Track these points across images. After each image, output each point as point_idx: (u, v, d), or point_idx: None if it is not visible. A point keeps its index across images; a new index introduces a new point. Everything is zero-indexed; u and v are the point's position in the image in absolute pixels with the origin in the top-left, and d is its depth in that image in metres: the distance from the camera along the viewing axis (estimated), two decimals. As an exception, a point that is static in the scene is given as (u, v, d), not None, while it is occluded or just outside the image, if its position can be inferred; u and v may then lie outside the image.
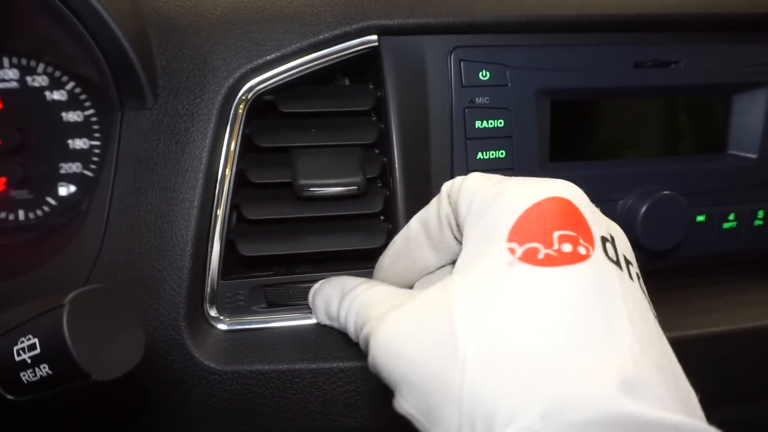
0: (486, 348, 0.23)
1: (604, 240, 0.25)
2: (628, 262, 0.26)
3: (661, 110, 0.46)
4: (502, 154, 0.41)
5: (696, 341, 0.40)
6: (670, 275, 0.47)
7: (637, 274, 0.26)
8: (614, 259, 0.25)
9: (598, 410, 0.20)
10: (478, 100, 0.40)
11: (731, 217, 0.47)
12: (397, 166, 0.38)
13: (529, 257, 0.24)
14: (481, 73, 0.39)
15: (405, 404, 0.26)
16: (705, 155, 0.46)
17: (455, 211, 0.30)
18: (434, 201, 0.32)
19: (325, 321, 0.36)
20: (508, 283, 0.24)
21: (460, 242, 0.31)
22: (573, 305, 0.23)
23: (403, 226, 0.34)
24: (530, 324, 0.23)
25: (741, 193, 0.46)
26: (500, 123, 0.40)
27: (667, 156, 0.46)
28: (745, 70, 0.44)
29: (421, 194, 0.38)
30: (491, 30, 0.40)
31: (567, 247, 0.24)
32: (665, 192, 0.42)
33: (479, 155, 0.40)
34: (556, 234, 0.24)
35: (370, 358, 0.28)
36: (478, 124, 0.40)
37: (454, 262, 0.31)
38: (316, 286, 0.37)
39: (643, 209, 0.42)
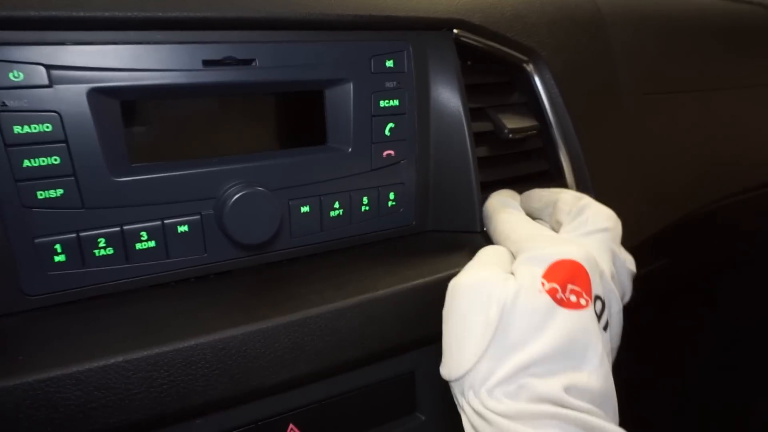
0: (500, 342, 0.37)
1: (596, 298, 0.39)
2: (606, 321, 0.40)
3: (262, 107, 0.47)
4: (56, 160, 0.38)
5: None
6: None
7: (606, 324, 0.40)
8: (598, 313, 0.39)
9: (550, 396, 0.35)
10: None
11: (336, 205, 0.50)
12: None
13: (552, 294, 0.38)
14: (12, 74, 0.36)
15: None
16: (307, 149, 0.48)
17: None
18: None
19: None
20: (535, 302, 0.37)
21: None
22: (566, 334, 0.37)
23: None
24: (535, 335, 0.37)
25: (342, 183, 0.49)
26: (47, 127, 0.38)
27: (269, 151, 0.47)
28: (329, 67, 0.47)
29: None
30: (34, 27, 0.37)
31: (573, 298, 0.38)
32: (251, 189, 0.43)
33: (25, 163, 0.37)
34: (569, 286, 0.38)
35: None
36: (17, 129, 0.37)
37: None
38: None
39: (229, 205, 0.42)
